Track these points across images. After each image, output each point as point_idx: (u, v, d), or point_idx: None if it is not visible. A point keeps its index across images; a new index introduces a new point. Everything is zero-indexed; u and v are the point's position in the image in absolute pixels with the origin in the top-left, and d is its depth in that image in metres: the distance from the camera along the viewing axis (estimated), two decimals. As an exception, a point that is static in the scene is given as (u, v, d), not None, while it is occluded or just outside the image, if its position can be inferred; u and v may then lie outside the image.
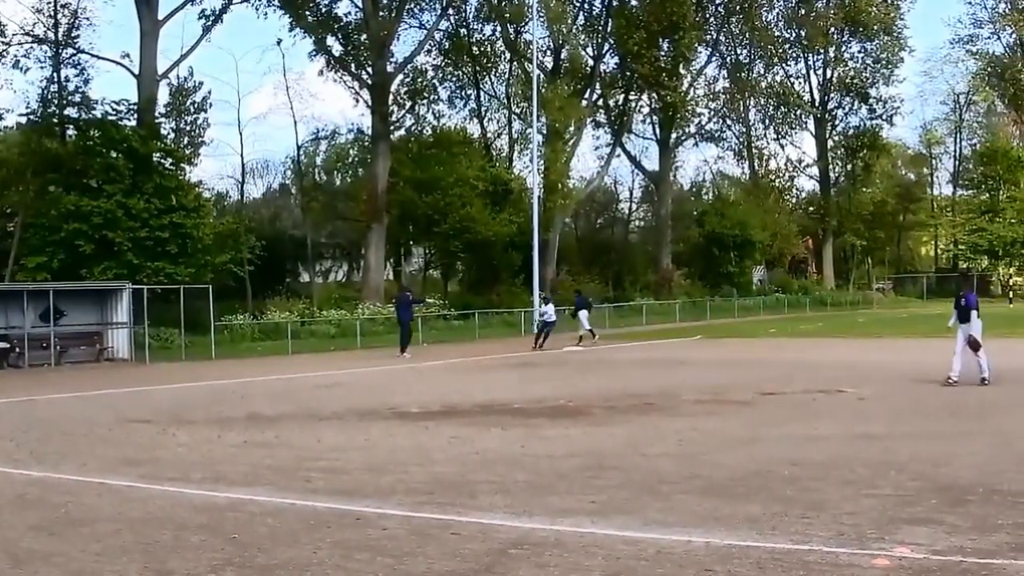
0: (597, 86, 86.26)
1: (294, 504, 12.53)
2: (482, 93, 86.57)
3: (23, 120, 55.74)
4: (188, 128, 66.56)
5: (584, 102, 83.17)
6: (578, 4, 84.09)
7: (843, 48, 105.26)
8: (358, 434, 19.23)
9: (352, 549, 10.24)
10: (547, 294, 54.72)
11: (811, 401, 23.12)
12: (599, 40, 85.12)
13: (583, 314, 48.12)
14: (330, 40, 72.44)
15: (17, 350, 40.78)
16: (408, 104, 79.16)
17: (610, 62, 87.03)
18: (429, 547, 10.23)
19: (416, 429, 19.79)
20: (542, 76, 73.69)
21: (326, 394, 27.74)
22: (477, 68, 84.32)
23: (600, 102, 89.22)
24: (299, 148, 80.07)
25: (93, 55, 58.15)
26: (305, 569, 9.51)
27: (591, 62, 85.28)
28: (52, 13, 57.25)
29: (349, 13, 72.55)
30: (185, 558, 9.98)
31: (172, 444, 18.39)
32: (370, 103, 71.01)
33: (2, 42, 57.18)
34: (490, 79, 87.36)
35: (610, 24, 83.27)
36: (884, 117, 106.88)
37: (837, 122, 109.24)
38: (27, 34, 57.19)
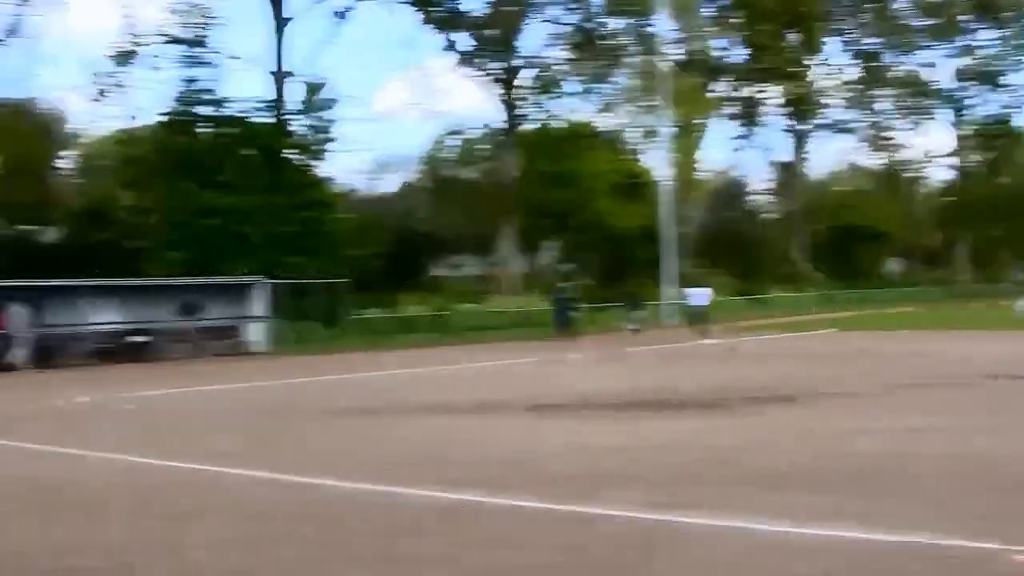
0: (726, 78, 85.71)
1: (432, 495, 12.42)
2: (611, 86, 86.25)
3: (158, 119, 56.54)
4: (319, 124, 67.03)
5: (713, 94, 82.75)
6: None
7: (976, 35, 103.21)
8: (495, 426, 19.22)
9: (481, 540, 10.21)
10: (700, 281, 54.00)
11: (958, 393, 22.75)
12: (728, 32, 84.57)
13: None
14: (460, 35, 72.79)
15: (157, 343, 41.39)
16: (538, 98, 79.20)
17: (739, 54, 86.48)
18: (562, 539, 10.13)
19: (553, 421, 19.68)
20: (671, 69, 73.34)
21: (462, 386, 27.78)
22: (606, 61, 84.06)
23: (729, 94, 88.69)
24: (430, 143, 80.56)
25: (225, 54, 58.84)
26: (433, 561, 9.47)
27: (720, 54, 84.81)
28: (185, 13, 57.93)
29: (478, 9, 72.79)
30: (297, 548, 10.02)
31: (309, 436, 18.52)
32: (499, 98, 71.22)
33: (138, 43, 58.14)
34: (619, 72, 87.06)
35: (738, 16, 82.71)
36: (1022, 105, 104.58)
37: (971, 111, 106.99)
38: (161, 35, 58.00)
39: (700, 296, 47.43)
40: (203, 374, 34.04)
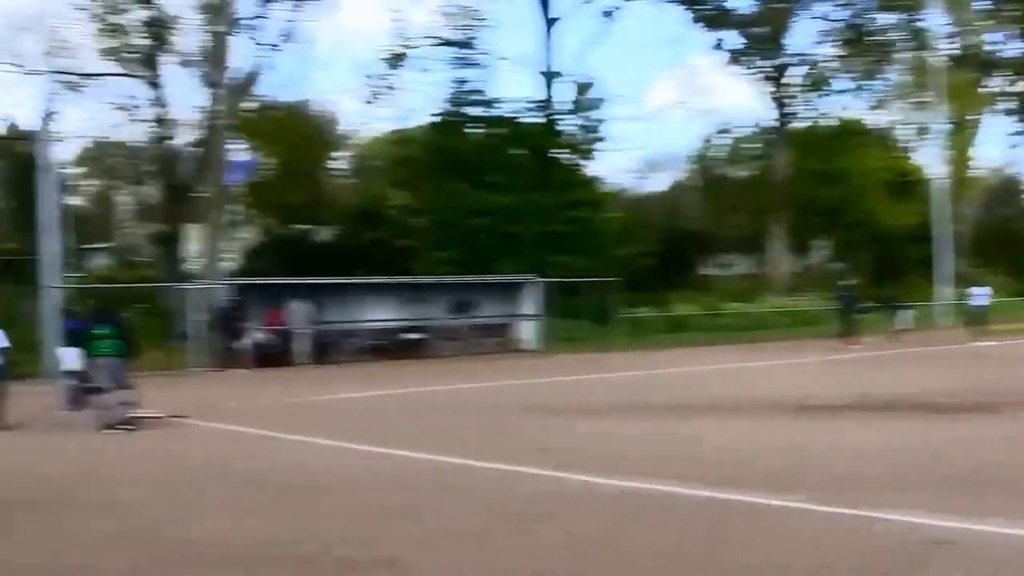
0: (1002, 72, 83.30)
1: (699, 495, 12.32)
2: (882, 83, 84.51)
3: (429, 120, 57.45)
4: (588, 124, 67.23)
5: (988, 89, 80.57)
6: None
7: None
8: (764, 426, 18.94)
9: (751, 544, 10.02)
10: (979, 281, 52.44)
11: None
12: (1003, 25, 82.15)
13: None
14: (728, 33, 72.26)
15: (429, 341, 42.07)
16: (807, 96, 78.11)
17: (1015, 47, 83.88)
18: (845, 543, 9.88)
19: (823, 423, 19.32)
20: (943, 64, 71.66)
21: (731, 386, 27.44)
22: (876, 57, 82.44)
23: (1004, 89, 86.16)
24: (698, 141, 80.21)
25: (495, 55, 59.36)
26: (712, 559, 9.38)
27: (995, 48, 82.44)
28: (455, 16, 58.67)
29: (746, 6, 72.23)
30: (608, 546, 9.96)
31: (579, 433, 18.51)
32: (769, 95, 70.59)
33: (408, 46, 59.08)
34: (890, 68, 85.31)
35: (1014, 8, 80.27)
36: None
37: None
38: (431, 37, 58.86)
39: (981, 296, 46.27)
40: (475, 371, 34.43)
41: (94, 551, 10.36)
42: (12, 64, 57.51)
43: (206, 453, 17.45)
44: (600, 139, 60.97)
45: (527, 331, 44.65)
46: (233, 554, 10.11)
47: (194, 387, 30.56)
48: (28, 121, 55.77)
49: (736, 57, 73.35)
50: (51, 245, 35.91)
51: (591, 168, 62.00)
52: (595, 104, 61.78)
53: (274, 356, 38.01)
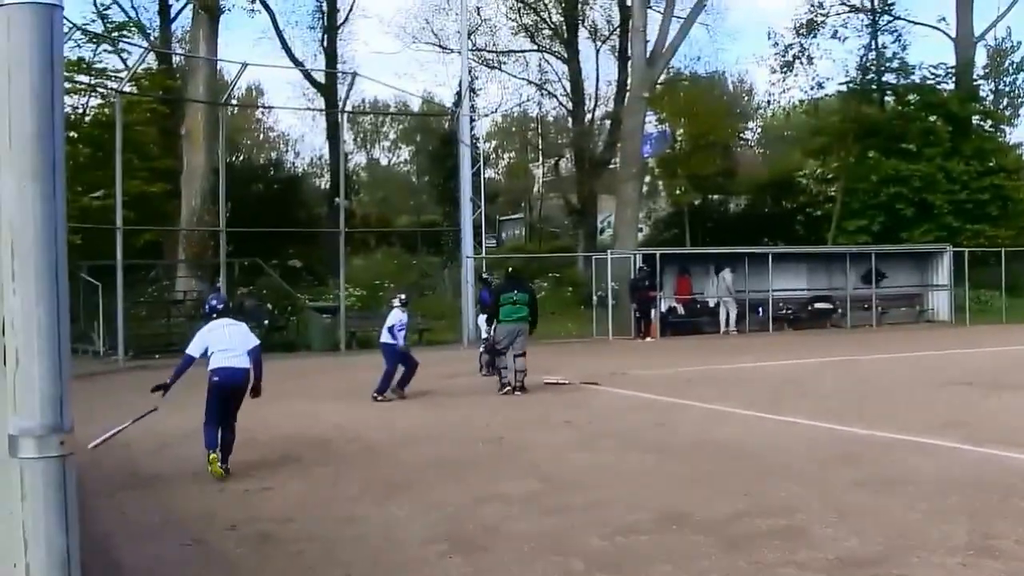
0: None
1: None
2: None
3: (843, 88, 56.75)
4: (1007, 89, 65.29)
5: None
6: None
7: None
8: None
9: None
10: None
11: None
12: None
13: None
14: None
15: (839, 311, 41.86)
16: None
17: None
18: None
19: None
20: None
21: None
22: None
23: None
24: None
25: (909, 20, 58.10)
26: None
27: None
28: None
29: None
30: (1012, 522, 9.77)
31: (994, 408, 18.21)
32: None
33: (821, 13, 58.48)
34: None
35: None
36: None
37: None
38: (844, 3, 58.14)
39: None
40: (888, 342, 34.20)
41: (501, 514, 10.79)
42: (431, 44, 59.95)
43: (615, 420, 17.96)
44: (1021, 104, 59.18)
45: (939, 302, 43.92)
46: (632, 522, 10.48)
47: (606, 355, 31.35)
48: (447, 98, 58.21)
49: None
50: (468, 216, 37.31)
51: (1011, 135, 60.23)
52: (1015, 68, 60.03)
53: (685, 325, 38.57)
